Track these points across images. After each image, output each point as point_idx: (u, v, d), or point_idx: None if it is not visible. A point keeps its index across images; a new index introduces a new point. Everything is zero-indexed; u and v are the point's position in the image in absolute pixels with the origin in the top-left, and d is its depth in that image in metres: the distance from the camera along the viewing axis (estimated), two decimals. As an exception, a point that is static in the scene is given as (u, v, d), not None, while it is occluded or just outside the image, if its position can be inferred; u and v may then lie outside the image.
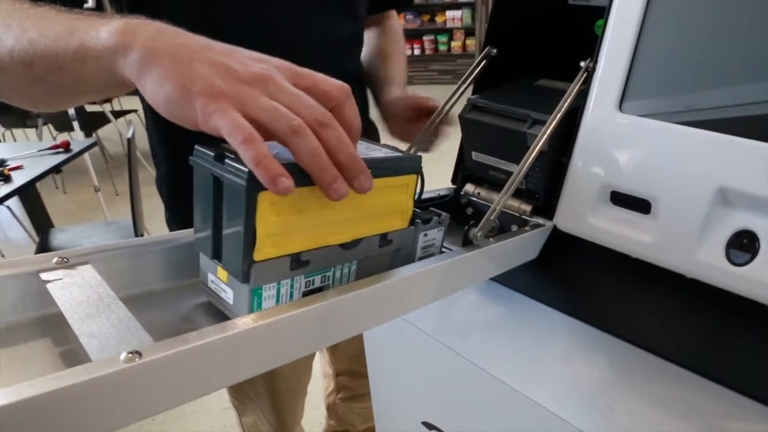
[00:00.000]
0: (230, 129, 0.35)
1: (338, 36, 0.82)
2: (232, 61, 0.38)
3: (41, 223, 2.49)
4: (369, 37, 1.00)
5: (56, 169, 2.21)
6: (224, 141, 0.37)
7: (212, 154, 0.38)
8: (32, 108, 0.58)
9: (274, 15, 0.73)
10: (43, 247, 2.08)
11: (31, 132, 4.41)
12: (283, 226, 0.38)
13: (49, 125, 3.99)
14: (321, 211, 0.40)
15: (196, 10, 0.70)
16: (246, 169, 0.35)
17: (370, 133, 0.98)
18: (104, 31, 0.42)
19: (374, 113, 0.98)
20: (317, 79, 0.41)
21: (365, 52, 0.97)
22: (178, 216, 0.87)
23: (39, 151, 2.22)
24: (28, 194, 2.42)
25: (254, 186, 0.35)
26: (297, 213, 0.39)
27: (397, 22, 1.05)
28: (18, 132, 4.53)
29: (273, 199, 0.37)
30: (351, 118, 0.40)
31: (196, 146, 0.40)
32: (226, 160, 0.37)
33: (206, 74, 0.37)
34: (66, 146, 2.25)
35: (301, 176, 0.37)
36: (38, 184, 2.27)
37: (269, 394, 1.03)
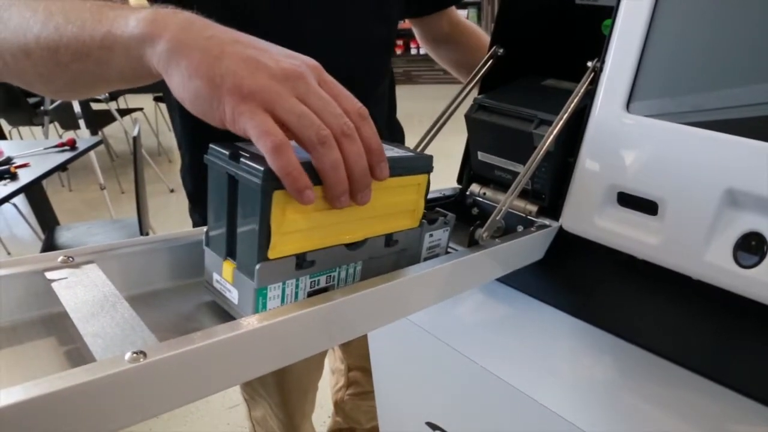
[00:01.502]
0: (259, 134, 0.35)
1: (367, 36, 0.82)
2: (263, 55, 0.38)
3: (47, 220, 2.50)
4: (462, 44, 1.02)
5: (62, 167, 2.21)
6: (240, 139, 0.37)
7: (227, 152, 0.39)
8: (53, 96, 0.58)
9: (303, 11, 0.73)
10: (49, 244, 2.09)
11: (38, 130, 4.42)
12: (297, 224, 0.39)
13: (56, 123, 4.00)
14: (335, 210, 0.40)
15: (225, 2, 0.70)
16: (261, 168, 0.36)
17: (395, 134, 0.98)
18: (133, 19, 0.42)
19: (399, 114, 0.99)
20: (340, 92, 0.40)
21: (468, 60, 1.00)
22: (200, 207, 0.88)
23: (45, 148, 2.23)
24: (34, 192, 2.43)
25: (269, 184, 0.36)
26: (312, 212, 0.39)
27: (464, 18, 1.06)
28: (24, 130, 4.55)
29: (288, 198, 0.37)
30: (368, 139, 0.40)
31: (210, 145, 0.41)
32: (242, 159, 0.37)
33: (236, 70, 0.37)
34: (72, 144, 2.25)
35: (314, 176, 0.38)
36: (44, 182, 2.28)
37: (279, 390, 1.03)
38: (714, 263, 0.46)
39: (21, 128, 4.34)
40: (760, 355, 0.46)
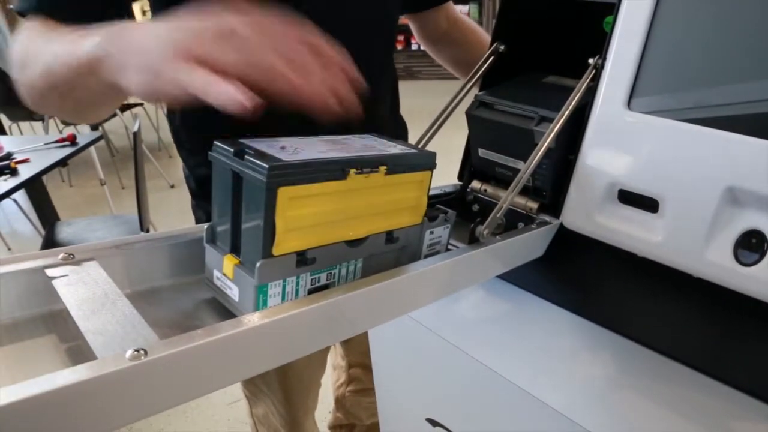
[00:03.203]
0: (196, 83, 0.37)
1: (368, 32, 0.81)
2: (193, 26, 0.39)
3: (47, 216, 2.50)
4: (459, 41, 1.03)
5: (62, 163, 2.21)
6: (245, 136, 0.37)
7: (232, 149, 0.39)
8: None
9: (301, 7, 0.73)
10: (49, 240, 2.09)
11: (38, 125, 4.43)
12: (302, 221, 0.39)
13: (55, 118, 4.00)
14: (339, 207, 0.41)
15: None
16: (266, 165, 0.36)
17: (398, 130, 0.98)
18: (87, 45, 0.46)
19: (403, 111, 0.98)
20: (321, 45, 0.42)
21: (464, 57, 1.01)
22: (203, 205, 0.88)
23: (45, 144, 2.22)
24: (35, 187, 2.42)
25: (274, 181, 0.36)
26: (316, 208, 0.39)
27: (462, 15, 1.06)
28: (24, 125, 4.54)
29: (293, 195, 0.37)
30: (327, 52, 0.41)
31: (215, 142, 0.41)
32: (246, 156, 0.38)
33: (167, 47, 0.38)
34: (72, 139, 2.25)
35: (319, 172, 0.38)
36: (44, 178, 2.27)
37: (282, 387, 1.03)
38: (714, 261, 0.46)
39: (21, 123, 4.34)
40: (760, 353, 0.46)
